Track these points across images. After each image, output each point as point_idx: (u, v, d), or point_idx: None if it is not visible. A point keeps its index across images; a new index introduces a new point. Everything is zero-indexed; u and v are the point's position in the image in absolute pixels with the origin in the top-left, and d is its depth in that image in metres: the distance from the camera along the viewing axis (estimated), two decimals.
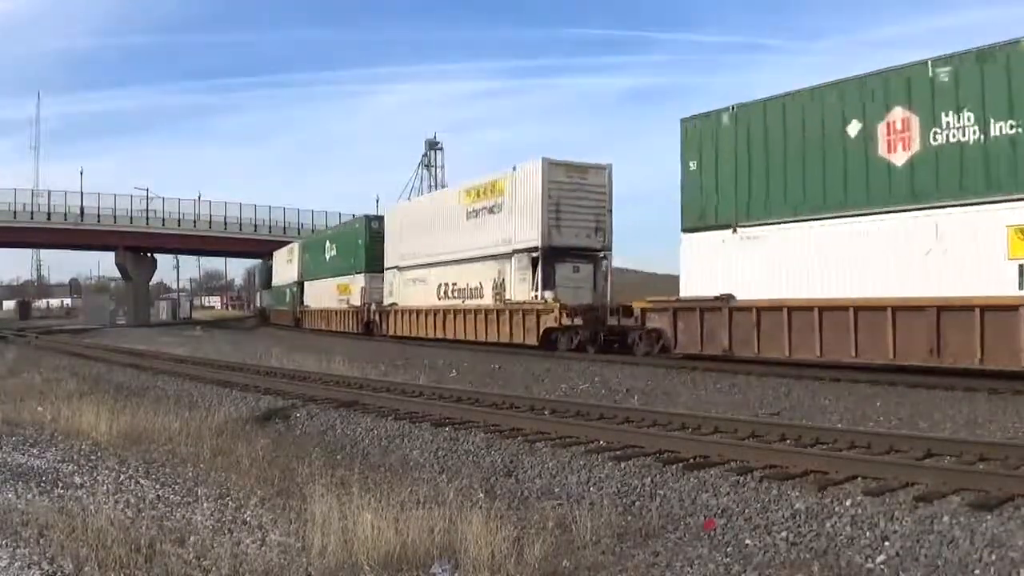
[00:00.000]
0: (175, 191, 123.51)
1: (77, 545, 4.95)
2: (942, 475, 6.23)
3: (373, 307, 33.60)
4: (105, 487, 6.78)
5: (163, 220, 60.09)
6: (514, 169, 23.57)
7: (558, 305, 21.11)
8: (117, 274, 69.18)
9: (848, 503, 5.81)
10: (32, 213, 56.64)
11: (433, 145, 70.32)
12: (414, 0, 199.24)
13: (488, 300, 24.74)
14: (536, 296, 22.10)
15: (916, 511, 5.51)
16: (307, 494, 6.05)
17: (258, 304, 63.21)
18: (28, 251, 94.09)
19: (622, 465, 7.29)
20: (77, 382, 15.83)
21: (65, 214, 56.79)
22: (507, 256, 23.63)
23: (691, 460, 7.30)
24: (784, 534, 5.64)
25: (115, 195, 58.52)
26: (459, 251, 26.26)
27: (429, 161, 69.49)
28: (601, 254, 22.87)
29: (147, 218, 59.40)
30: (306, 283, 44.71)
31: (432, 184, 65.03)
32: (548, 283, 22.03)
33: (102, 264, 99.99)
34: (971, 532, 5.10)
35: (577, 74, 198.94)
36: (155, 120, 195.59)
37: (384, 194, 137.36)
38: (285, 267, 50.21)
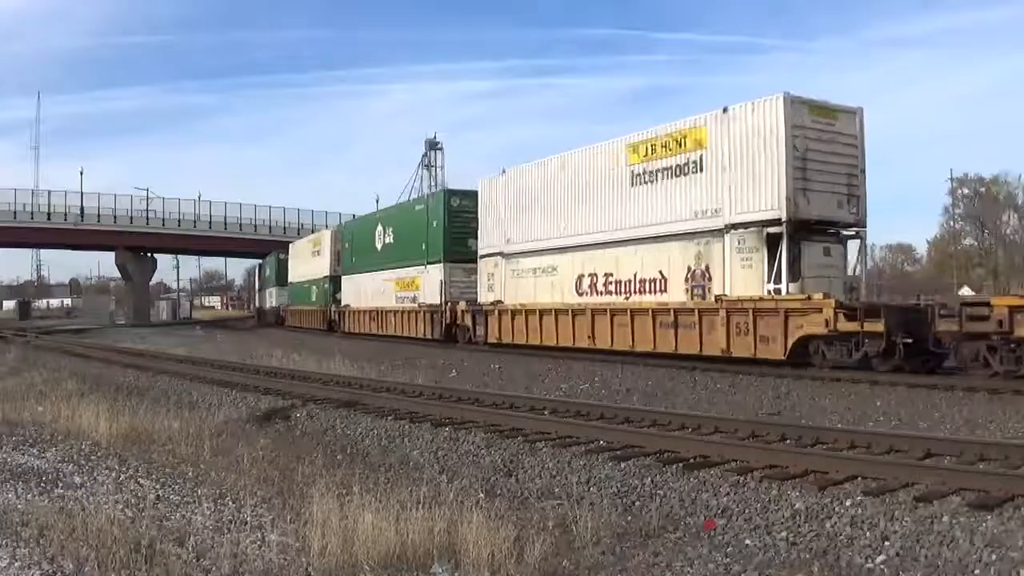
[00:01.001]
0: (175, 191, 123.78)
1: (77, 545, 4.95)
2: (942, 475, 6.23)
3: (462, 306, 25.58)
4: (105, 487, 6.79)
5: (163, 220, 60.15)
6: (724, 110, 16.72)
7: (833, 302, 14.36)
8: (117, 274, 69.30)
9: (848, 503, 5.81)
10: (32, 213, 56.69)
11: (433, 145, 70.22)
12: (414, 0, 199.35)
13: (677, 295, 17.54)
14: (773, 290, 15.58)
15: (916, 511, 5.51)
16: (307, 494, 6.06)
17: (257, 304, 62.07)
18: (28, 251, 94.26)
19: (622, 465, 7.29)
20: (77, 382, 15.83)
21: (65, 214, 56.83)
22: (713, 234, 16.87)
23: (691, 460, 7.30)
24: (784, 534, 5.64)
25: (115, 195, 58.73)
26: (618, 230, 19.29)
27: (429, 161, 69.39)
28: (854, 231, 16.86)
29: (147, 218, 59.45)
30: (344, 278, 36.49)
31: (432, 184, 65.00)
32: (794, 271, 15.73)
33: (102, 264, 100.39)
34: (971, 532, 5.10)
35: (578, 74, 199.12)
36: (155, 120, 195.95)
37: (384, 194, 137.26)
38: (309, 260, 42.87)
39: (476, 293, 25.16)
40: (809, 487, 6.23)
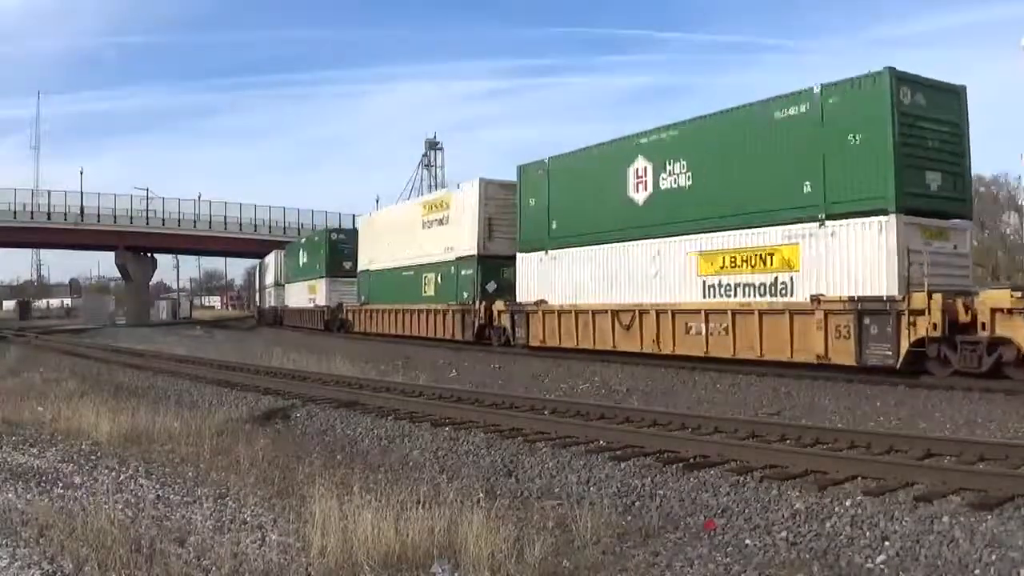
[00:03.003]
0: (175, 191, 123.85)
1: (77, 545, 4.95)
2: (942, 475, 6.23)
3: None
4: (105, 487, 6.78)
5: (163, 220, 60.13)
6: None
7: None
8: (117, 274, 69.25)
9: (848, 503, 5.81)
10: (32, 213, 56.67)
11: (433, 145, 70.34)
12: (414, 0, 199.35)
13: None
14: None
15: (916, 511, 5.51)
16: (307, 494, 6.05)
17: (258, 304, 61.81)
18: (28, 251, 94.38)
19: (622, 465, 7.29)
20: (77, 382, 15.83)
21: (65, 214, 56.80)
22: None
23: (691, 460, 7.30)
24: (784, 534, 5.64)
25: (115, 195, 58.69)
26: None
27: (429, 161, 69.52)
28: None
29: (147, 218, 59.42)
30: (527, 256, 21.90)
31: (432, 184, 64.99)
32: None
33: (102, 264, 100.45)
34: (971, 532, 5.10)
35: (578, 74, 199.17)
36: (155, 120, 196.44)
37: (384, 194, 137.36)
38: (416, 235, 28.32)
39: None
40: (809, 487, 6.23)
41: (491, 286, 23.77)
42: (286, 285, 48.10)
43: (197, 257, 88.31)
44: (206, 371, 17.36)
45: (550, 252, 20.89)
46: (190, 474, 7.53)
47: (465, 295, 24.51)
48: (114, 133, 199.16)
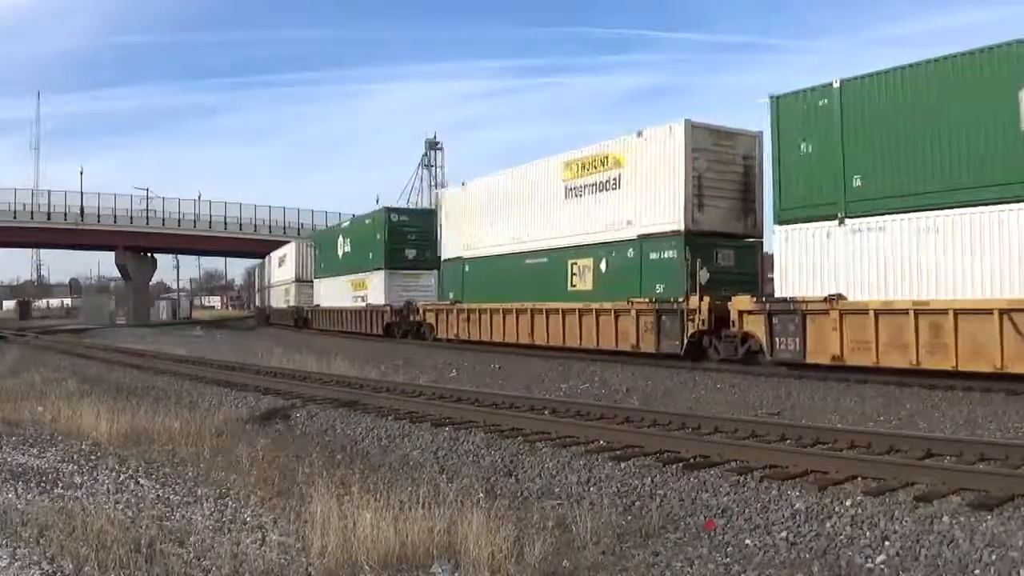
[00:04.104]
0: (175, 191, 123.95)
1: (77, 545, 4.95)
2: (942, 475, 6.23)
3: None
4: (105, 487, 6.79)
5: (163, 220, 60.13)
6: None
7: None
8: (117, 274, 69.25)
9: (848, 503, 5.81)
10: (32, 213, 56.66)
11: (433, 145, 70.41)
12: (414, 0, 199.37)
13: None
14: None
15: (916, 511, 5.51)
16: (307, 494, 6.06)
17: (258, 303, 61.33)
18: (28, 251, 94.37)
19: (622, 465, 7.29)
20: (77, 382, 15.84)
21: (65, 214, 56.81)
22: None
23: (691, 460, 7.30)
24: (784, 534, 5.64)
25: (115, 195, 58.67)
26: None
27: (429, 161, 69.59)
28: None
29: (147, 218, 59.42)
30: (798, 229, 14.60)
31: (432, 184, 65.03)
32: None
33: (102, 264, 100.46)
34: (971, 532, 5.10)
35: (579, 74, 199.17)
36: (155, 120, 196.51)
37: (384, 194, 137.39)
38: (553, 207, 20.95)
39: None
40: (809, 487, 6.23)
41: (704, 275, 16.51)
42: (316, 281, 39.80)
43: (197, 257, 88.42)
44: (206, 371, 17.36)
45: (850, 222, 13.62)
46: (190, 474, 7.53)
47: (660, 289, 17.13)
48: (114, 133, 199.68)
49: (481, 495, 6.20)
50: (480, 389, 13.15)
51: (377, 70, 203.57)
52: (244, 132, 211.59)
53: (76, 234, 57.32)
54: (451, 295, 25.43)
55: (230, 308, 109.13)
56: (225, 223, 62.39)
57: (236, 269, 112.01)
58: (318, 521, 5.22)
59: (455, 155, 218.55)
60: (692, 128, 16.87)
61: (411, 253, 30.43)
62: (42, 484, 6.99)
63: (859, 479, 6.35)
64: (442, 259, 26.50)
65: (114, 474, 7.43)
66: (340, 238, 36.45)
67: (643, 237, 17.75)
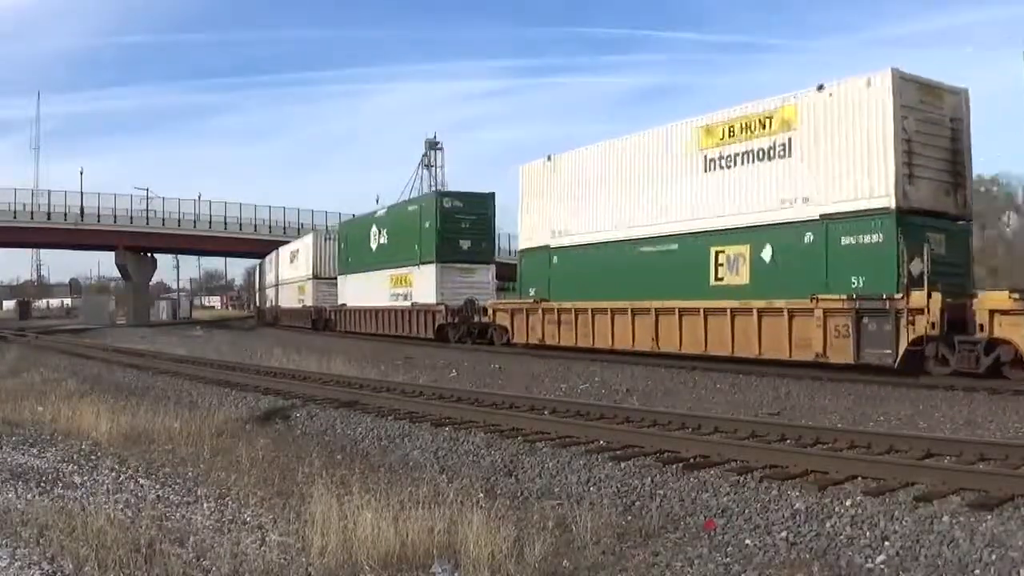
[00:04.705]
0: (175, 191, 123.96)
1: (77, 545, 4.95)
2: (942, 475, 6.23)
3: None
4: (105, 487, 6.78)
5: (163, 220, 60.05)
6: None
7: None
8: (117, 274, 69.18)
9: (848, 503, 5.81)
10: (32, 213, 56.61)
11: (433, 145, 70.39)
12: (415, 0, 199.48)
13: None
14: None
15: (916, 511, 5.51)
16: (307, 494, 6.06)
17: (258, 303, 61.31)
18: (28, 251, 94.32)
19: (622, 465, 7.29)
20: (77, 382, 15.84)
21: (65, 214, 56.75)
22: None
23: (691, 460, 7.30)
24: (784, 534, 5.64)
25: (115, 195, 58.55)
26: None
27: (429, 161, 69.57)
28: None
29: (147, 218, 59.35)
30: None
31: (432, 184, 65.02)
32: None
33: (102, 264, 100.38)
34: (971, 532, 5.10)
35: (579, 73, 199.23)
36: (155, 120, 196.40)
37: (384, 194, 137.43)
38: (683, 181, 17.34)
39: None
40: (809, 487, 6.23)
41: (917, 266, 13.10)
42: (342, 278, 35.92)
43: (197, 257, 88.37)
44: (206, 371, 17.35)
45: None
46: (190, 474, 7.53)
47: (858, 283, 13.75)
48: (114, 133, 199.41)
49: (481, 495, 6.20)
50: (480, 389, 13.15)
51: (377, 70, 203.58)
52: (244, 132, 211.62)
53: (76, 234, 57.27)
54: (532, 292, 21.33)
55: (230, 308, 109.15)
56: (225, 223, 62.33)
57: (236, 269, 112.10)
58: (318, 521, 5.22)
59: (455, 155, 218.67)
60: (900, 80, 13.41)
61: (465, 244, 26.32)
62: (42, 484, 6.98)
63: (859, 479, 6.35)
64: (521, 247, 22.62)
65: (114, 474, 7.43)
66: (373, 229, 32.25)
67: (829, 217, 14.08)
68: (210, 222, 61.93)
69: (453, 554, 4.92)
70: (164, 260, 73.03)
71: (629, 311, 17.91)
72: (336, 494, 5.74)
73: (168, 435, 9.43)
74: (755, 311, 15.17)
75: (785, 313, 14.62)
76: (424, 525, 5.17)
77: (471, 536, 4.97)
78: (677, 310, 16.79)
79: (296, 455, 8.46)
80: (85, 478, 7.27)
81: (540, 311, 20.94)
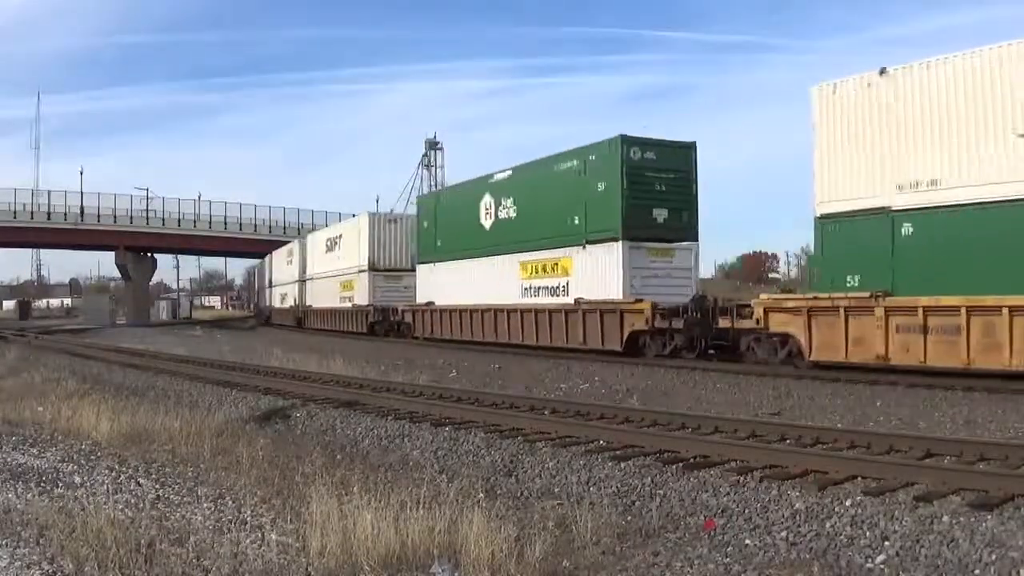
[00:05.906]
0: (175, 191, 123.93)
1: (77, 545, 4.94)
2: (942, 475, 6.23)
3: None
4: (105, 487, 6.78)
5: (163, 220, 60.11)
6: None
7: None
8: (117, 274, 69.22)
9: (848, 503, 5.81)
10: (32, 213, 56.64)
11: (433, 145, 70.33)
12: (415, 0, 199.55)
13: None
14: None
15: (916, 511, 5.51)
16: (307, 494, 6.05)
17: (257, 303, 61.37)
18: (28, 251, 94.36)
19: (622, 465, 7.29)
20: (77, 382, 15.83)
21: (65, 214, 56.79)
22: None
23: (691, 460, 7.30)
24: (784, 534, 5.64)
25: (115, 195, 58.62)
26: None
27: (429, 161, 69.50)
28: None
29: (147, 218, 59.41)
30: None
31: (432, 184, 65.00)
32: None
33: (102, 264, 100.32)
34: (971, 532, 5.10)
35: (579, 73, 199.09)
36: (155, 120, 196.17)
37: (384, 194, 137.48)
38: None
39: None
40: (809, 487, 6.23)
41: None
42: (426, 268, 27.37)
43: (197, 257, 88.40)
44: (206, 371, 17.35)
45: None
46: (190, 474, 7.53)
47: None
48: (114, 133, 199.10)
49: (481, 495, 6.20)
50: (480, 389, 13.15)
51: (377, 70, 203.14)
52: (244, 132, 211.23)
53: (76, 234, 57.31)
54: (849, 279, 13.91)
55: (230, 308, 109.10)
56: (225, 223, 62.37)
57: (236, 269, 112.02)
58: (318, 521, 5.22)
59: (455, 155, 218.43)
60: None
61: (661, 215, 18.54)
62: (42, 484, 6.98)
63: (859, 479, 6.35)
64: (817, 216, 14.40)
65: (114, 474, 7.43)
66: (486, 199, 23.80)
67: None
68: (210, 222, 61.99)
69: (453, 554, 4.91)
70: (164, 260, 73.17)
71: None
72: (336, 494, 5.73)
73: (168, 435, 9.42)
74: None
75: None
76: (424, 525, 5.17)
77: (471, 536, 4.97)
78: None
79: (296, 455, 8.45)
80: (85, 478, 7.27)
81: (881, 311, 13.23)
